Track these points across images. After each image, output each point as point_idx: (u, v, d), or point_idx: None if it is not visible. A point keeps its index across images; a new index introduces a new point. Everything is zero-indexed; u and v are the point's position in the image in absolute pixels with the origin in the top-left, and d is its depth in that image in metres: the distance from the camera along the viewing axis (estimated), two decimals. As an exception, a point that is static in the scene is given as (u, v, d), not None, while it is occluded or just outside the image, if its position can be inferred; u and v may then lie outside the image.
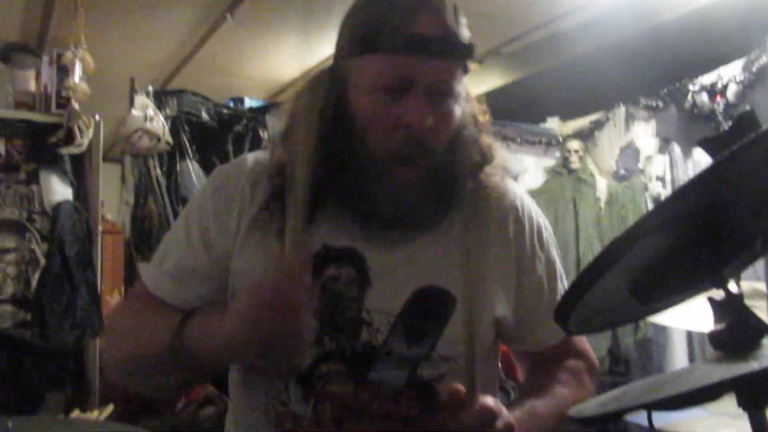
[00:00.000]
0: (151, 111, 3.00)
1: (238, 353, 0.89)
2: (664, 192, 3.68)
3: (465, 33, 0.93)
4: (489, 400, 0.85)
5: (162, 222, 3.11)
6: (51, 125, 2.92)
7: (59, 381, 2.78)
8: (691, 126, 3.53)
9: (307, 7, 3.45)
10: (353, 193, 0.94)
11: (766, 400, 0.66)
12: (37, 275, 2.82)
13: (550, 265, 1.09)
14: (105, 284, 3.75)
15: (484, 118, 1.03)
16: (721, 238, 0.70)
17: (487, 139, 1.03)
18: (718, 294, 0.72)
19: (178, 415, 2.45)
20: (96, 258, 2.94)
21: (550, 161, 4.23)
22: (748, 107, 2.97)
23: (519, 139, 4.17)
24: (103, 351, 1.12)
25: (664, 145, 3.72)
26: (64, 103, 2.95)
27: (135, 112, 2.96)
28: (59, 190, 2.90)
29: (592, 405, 0.75)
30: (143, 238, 3.15)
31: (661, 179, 3.71)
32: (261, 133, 3.42)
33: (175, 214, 3.09)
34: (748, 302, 0.70)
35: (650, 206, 3.61)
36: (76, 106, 2.90)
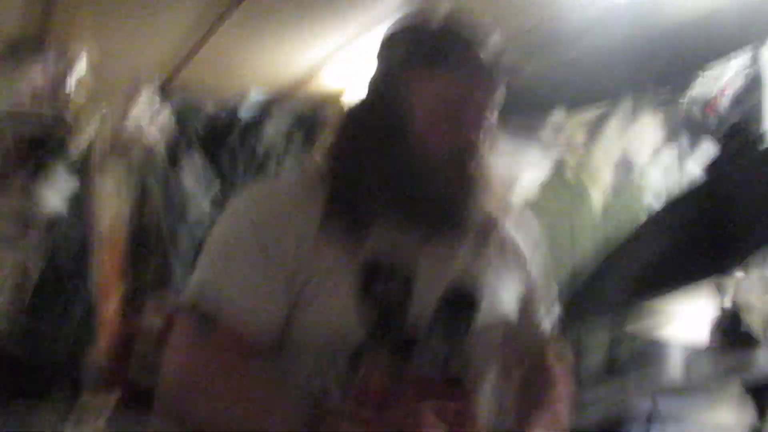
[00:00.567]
0: (152, 109, 3.00)
1: None
2: (665, 193, 3.69)
3: (503, 61, 1.07)
4: None
5: (161, 224, 3.12)
6: (51, 124, 2.92)
7: (57, 383, 2.77)
8: (691, 127, 3.54)
9: (312, 5, 3.44)
10: (409, 196, 1.02)
11: (766, 396, 0.66)
12: (31, 282, 2.81)
13: (543, 270, 1.24)
14: (103, 288, 3.74)
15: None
16: (721, 238, 0.70)
17: (490, 155, 1.13)
18: (717, 297, 0.72)
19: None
20: (93, 263, 2.93)
21: (550, 161, 4.23)
22: (747, 109, 2.98)
23: (519, 139, 4.16)
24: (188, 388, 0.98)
25: (665, 146, 3.73)
26: (64, 101, 2.95)
27: (136, 110, 2.97)
28: (55, 198, 2.90)
29: (594, 404, 0.76)
30: (142, 241, 3.15)
31: (662, 180, 3.72)
32: (262, 134, 3.43)
33: (175, 215, 3.09)
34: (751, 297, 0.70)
35: (646, 214, 3.62)
36: (76, 104, 2.90)
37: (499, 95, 1.07)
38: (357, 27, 3.49)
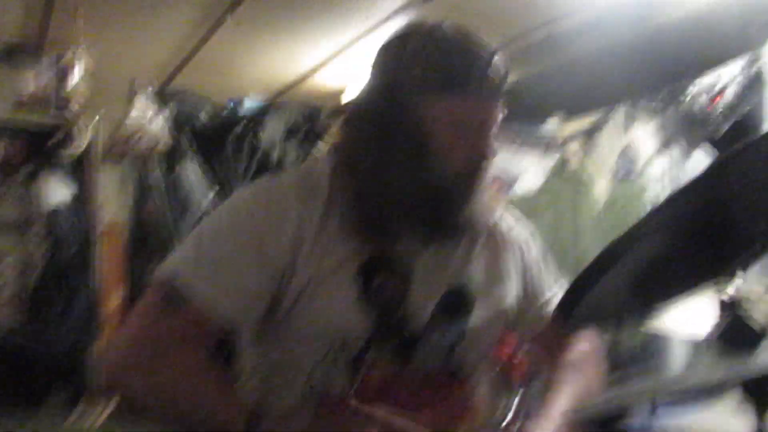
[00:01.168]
0: (150, 112, 3.00)
1: None
2: (664, 194, 3.68)
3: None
4: None
5: (161, 223, 3.11)
6: (50, 126, 2.92)
7: (60, 380, 2.77)
8: (691, 127, 3.53)
9: (307, 7, 3.45)
10: (424, 209, 1.06)
11: (766, 398, 0.66)
12: (34, 279, 2.82)
13: (536, 258, 1.28)
14: (104, 285, 3.74)
15: None
16: (721, 238, 0.70)
17: None
18: (718, 294, 0.72)
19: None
20: (94, 259, 2.95)
21: (550, 162, 4.23)
22: (747, 109, 2.97)
23: (518, 141, 4.16)
24: (124, 364, 1.00)
25: (664, 147, 3.72)
26: (63, 104, 2.95)
27: (134, 113, 2.96)
28: (58, 191, 2.91)
29: (594, 405, 0.76)
30: (143, 238, 3.15)
31: (661, 181, 3.71)
32: (260, 135, 3.42)
33: (174, 216, 3.09)
34: (754, 294, 0.70)
35: (650, 207, 3.61)
36: (75, 106, 2.90)
37: (502, 109, 1.12)
38: (354, 31, 3.49)
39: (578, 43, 3.57)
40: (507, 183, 4.07)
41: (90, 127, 2.92)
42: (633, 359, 3.77)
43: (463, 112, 1.05)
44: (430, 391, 1.08)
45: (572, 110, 4.17)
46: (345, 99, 3.98)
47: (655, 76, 3.63)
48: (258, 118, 3.44)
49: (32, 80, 3.00)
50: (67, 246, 2.82)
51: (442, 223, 1.09)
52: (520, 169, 4.12)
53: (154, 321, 1.00)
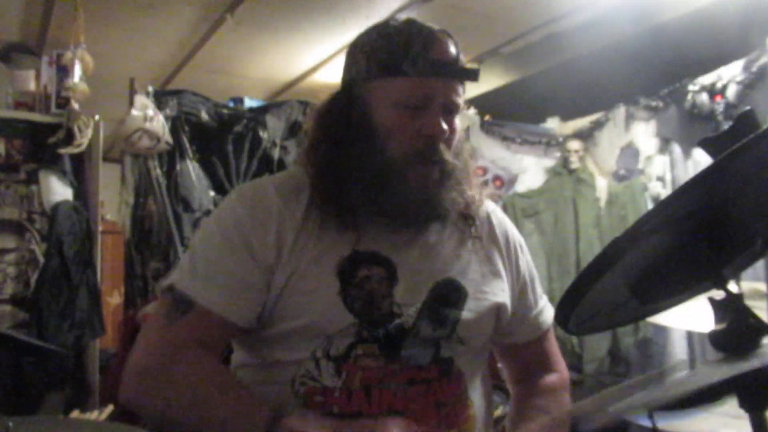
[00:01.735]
0: (150, 111, 3.00)
1: None
2: (664, 192, 3.68)
3: (464, 59, 1.12)
4: None
5: (162, 222, 3.11)
6: (50, 125, 2.92)
7: (58, 381, 2.77)
8: (691, 126, 3.53)
9: (307, 7, 3.45)
10: (379, 194, 1.08)
11: (767, 400, 0.65)
12: (36, 275, 2.82)
13: (529, 265, 1.28)
14: (105, 284, 3.75)
15: (464, 127, 1.18)
16: (721, 238, 0.70)
17: (467, 149, 1.20)
18: (718, 294, 0.72)
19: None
20: (96, 258, 2.94)
21: (550, 161, 4.23)
22: (748, 107, 2.96)
23: (519, 139, 4.16)
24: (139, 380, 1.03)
25: (664, 145, 3.72)
26: (63, 103, 2.95)
27: (135, 112, 2.96)
28: (58, 190, 2.90)
29: (595, 404, 0.76)
30: (143, 238, 3.15)
31: (661, 179, 3.71)
32: (260, 134, 3.42)
33: (175, 214, 3.09)
34: (748, 302, 0.70)
35: (650, 206, 3.60)
36: (75, 106, 2.90)
37: (461, 93, 1.12)
38: (354, 31, 3.49)
39: (578, 42, 3.57)
40: (507, 183, 4.07)
41: (90, 127, 2.91)
42: (633, 359, 3.77)
43: (402, 92, 1.07)
44: (419, 387, 1.07)
45: (572, 109, 4.17)
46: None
47: (655, 75, 3.63)
48: (258, 117, 3.43)
49: (32, 80, 3.00)
50: (67, 245, 2.82)
51: (406, 205, 1.09)
52: (520, 168, 4.12)
53: (164, 328, 1.04)
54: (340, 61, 1.21)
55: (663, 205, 0.67)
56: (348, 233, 1.08)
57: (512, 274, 1.23)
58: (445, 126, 1.08)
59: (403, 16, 1.15)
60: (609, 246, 0.68)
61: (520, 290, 1.25)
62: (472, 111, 3.94)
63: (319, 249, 1.07)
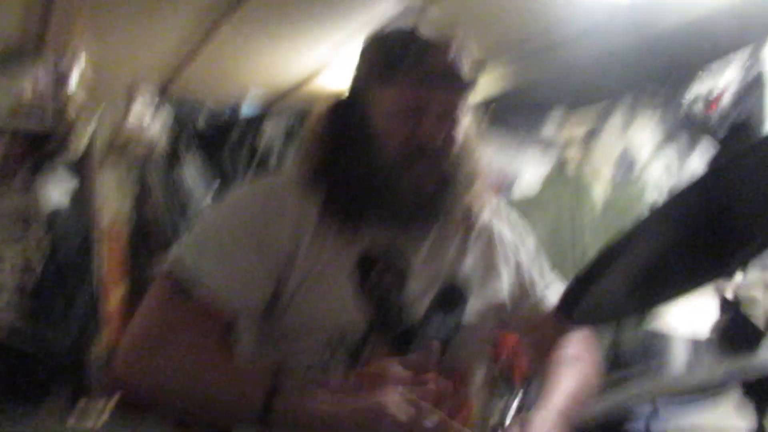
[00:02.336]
0: (150, 112, 3.00)
1: None
2: (663, 195, 3.68)
3: (467, 66, 1.11)
4: None
5: (162, 222, 3.11)
6: (48, 131, 2.92)
7: (60, 380, 2.77)
8: (690, 130, 3.54)
9: (310, 8, 3.45)
10: (380, 198, 1.09)
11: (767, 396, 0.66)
12: (33, 281, 2.82)
13: (532, 253, 1.31)
14: (104, 284, 3.73)
15: (479, 130, 1.21)
16: (720, 237, 0.70)
17: (477, 153, 1.19)
18: (718, 294, 0.72)
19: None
20: (95, 259, 2.94)
21: (548, 163, 4.24)
22: (744, 114, 2.98)
23: (517, 144, 4.17)
24: (135, 352, 1.01)
25: (662, 150, 3.73)
26: (61, 107, 2.95)
27: (134, 113, 2.97)
28: (58, 191, 2.90)
29: (596, 408, 0.76)
30: (143, 238, 3.15)
31: (660, 182, 3.72)
32: (258, 141, 3.42)
33: (175, 215, 3.09)
34: (758, 292, 0.70)
35: (649, 208, 3.60)
36: (73, 110, 2.90)
37: (458, 102, 1.12)
38: (355, 29, 3.49)
39: (577, 48, 3.57)
40: (507, 183, 4.08)
41: (90, 128, 2.92)
42: (633, 359, 3.77)
43: (396, 102, 1.08)
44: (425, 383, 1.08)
45: (573, 107, 4.18)
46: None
47: (654, 80, 3.64)
48: (257, 121, 3.44)
49: (35, 78, 3.00)
50: (67, 246, 2.82)
51: (414, 210, 1.10)
52: (520, 169, 4.12)
53: (162, 311, 1.03)
54: (341, 65, 1.22)
55: (663, 205, 0.68)
56: (359, 236, 1.10)
57: (513, 268, 1.25)
58: (440, 133, 1.09)
59: (406, 19, 1.15)
60: (609, 246, 0.68)
61: (527, 281, 1.26)
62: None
63: (336, 249, 1.08)
